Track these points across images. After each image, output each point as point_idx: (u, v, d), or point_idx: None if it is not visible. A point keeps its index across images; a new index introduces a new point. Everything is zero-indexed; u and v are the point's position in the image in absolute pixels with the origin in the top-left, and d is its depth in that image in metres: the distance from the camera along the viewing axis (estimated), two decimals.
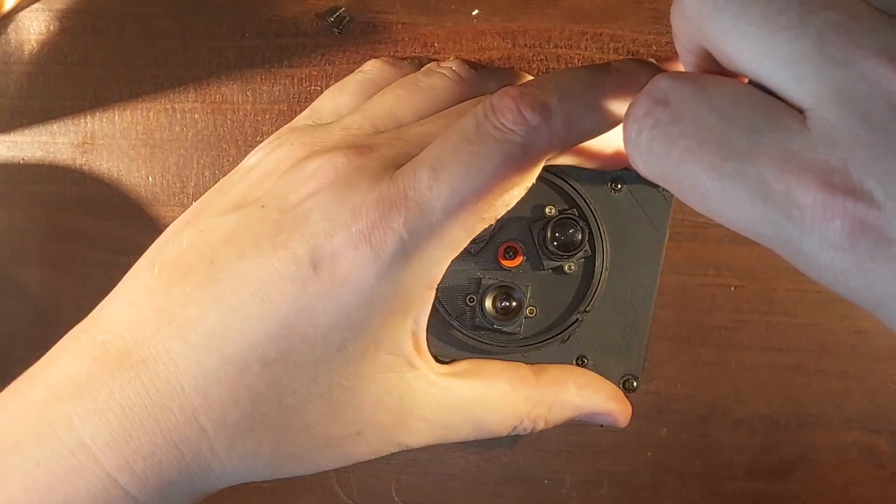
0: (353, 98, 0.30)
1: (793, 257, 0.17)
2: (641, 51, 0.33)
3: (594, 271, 0.29)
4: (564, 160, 0.28)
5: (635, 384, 0.30)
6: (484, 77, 0.30)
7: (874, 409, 0.34)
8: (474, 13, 0.34)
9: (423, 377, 0.26)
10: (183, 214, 0.28)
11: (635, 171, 0.20)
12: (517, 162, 0.24)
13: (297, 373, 0.25)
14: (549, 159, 0.25)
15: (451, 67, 0.29)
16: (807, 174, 0.16)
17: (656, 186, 0.29)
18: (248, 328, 0.24)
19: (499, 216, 0.25)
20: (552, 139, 0.24)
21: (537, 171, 0.25)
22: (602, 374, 0.30)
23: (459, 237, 0.25)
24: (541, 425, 0.28)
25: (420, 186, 0.24)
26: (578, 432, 0.34)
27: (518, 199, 0.25)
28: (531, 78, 0.32)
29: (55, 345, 0.27)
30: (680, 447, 0.34)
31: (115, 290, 0.27)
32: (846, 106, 0.15)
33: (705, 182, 0.18)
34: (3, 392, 0.26)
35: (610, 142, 0.27)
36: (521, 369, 0.29)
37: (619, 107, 0.25)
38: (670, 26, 0.21)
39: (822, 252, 0.16)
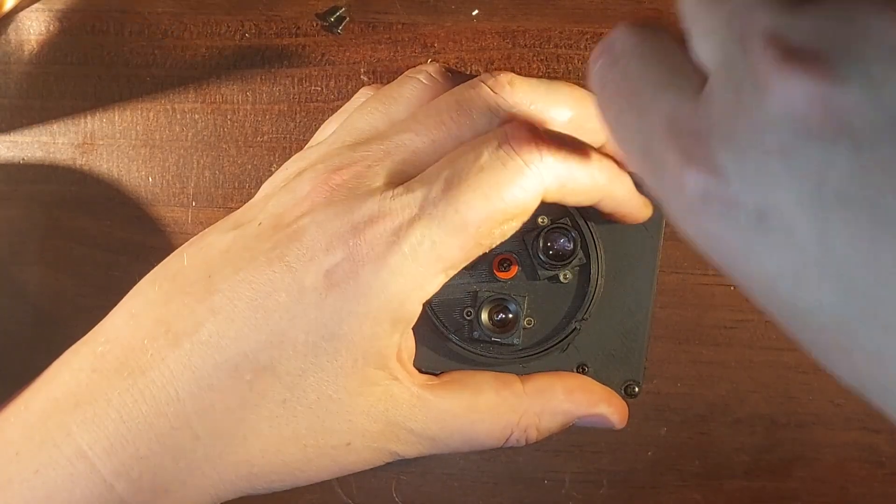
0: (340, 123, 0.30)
1: (665, 208, 0.18)
2: None
3: (590, 279, 0.29)
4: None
5: (637, 390, 0.29)
6: (458, 81, 0.30)
7: (874, 408, 0.34)
8: (474, 13, 0.34)
9: (407, 389, 0.26)
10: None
11: None
12: (523, 193, 0.24)
13: (287, 382, 0.25)
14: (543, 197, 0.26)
15: (426, 71, 0.29)
16: (678, 141, 0.17)
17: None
18: (242, 336, 0.25)
19: (494, 245, 0.26)
20: (556, 179, 0.25)
21: (535, 206, 0.25)
22: (603, 382, 0.29)
23: (456, 259, 0.25)
24: (533, 435, 0.28)
25: (426, 205, 0.24)
26: (578, 431, 0.34)
27: (513, 231, 0.26)
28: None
29: (59, 357, 0.27)
30: (680, 446, 0.34)
31: (118, 304, 0.28)
32: (727, 77, 0.16)
33: (614, 126, 0.20)
34: (7, 405, 0.27)
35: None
36: (508, 379, 0.28)
37: (609, 184, 0.26)
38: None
39: (679, 213, 0.18)
